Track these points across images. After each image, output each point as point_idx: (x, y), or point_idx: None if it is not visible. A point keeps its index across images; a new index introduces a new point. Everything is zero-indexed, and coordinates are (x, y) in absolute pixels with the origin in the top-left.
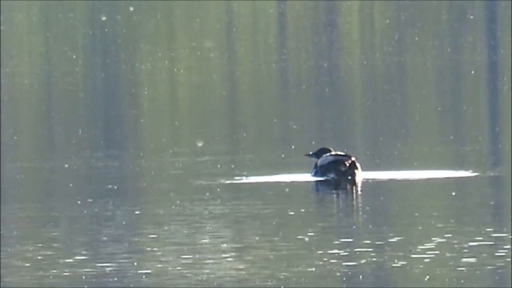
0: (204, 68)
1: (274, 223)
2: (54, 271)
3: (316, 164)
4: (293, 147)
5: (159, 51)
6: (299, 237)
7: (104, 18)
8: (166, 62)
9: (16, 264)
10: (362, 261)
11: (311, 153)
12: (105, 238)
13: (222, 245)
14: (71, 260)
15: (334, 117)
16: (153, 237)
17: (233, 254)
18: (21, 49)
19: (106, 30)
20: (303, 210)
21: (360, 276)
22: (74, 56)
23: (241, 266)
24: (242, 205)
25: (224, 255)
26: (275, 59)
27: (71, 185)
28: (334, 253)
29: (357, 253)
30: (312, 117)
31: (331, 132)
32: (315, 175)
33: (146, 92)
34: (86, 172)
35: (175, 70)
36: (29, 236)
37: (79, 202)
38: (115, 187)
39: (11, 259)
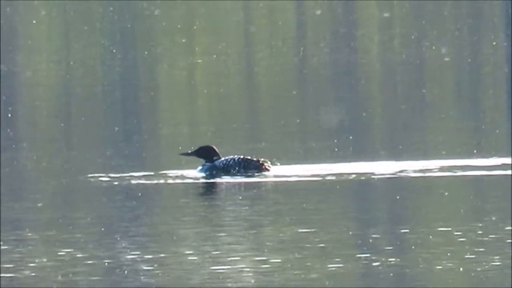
0: (223, 68)
1: (263, 222)
2: (55, 271)
3: (214, 164)
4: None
5: (177, 49)
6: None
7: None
8: (184, 61)
9: (17, 264)
10: (362, 262)
11: (189, 152)
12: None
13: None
14: (70, 260)
15: (352, 114)
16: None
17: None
18: (51, 43)
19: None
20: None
21: (359, 276)
22: (114, 50)
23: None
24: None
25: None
26: (293, 57)
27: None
28: (336, 253)
29: (358, 252)
30: (329, 113)
31: (350, 128)
32: (212, 174)
33: (164, 91)
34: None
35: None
36: (29, 235)
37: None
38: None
39: (12, 259)
